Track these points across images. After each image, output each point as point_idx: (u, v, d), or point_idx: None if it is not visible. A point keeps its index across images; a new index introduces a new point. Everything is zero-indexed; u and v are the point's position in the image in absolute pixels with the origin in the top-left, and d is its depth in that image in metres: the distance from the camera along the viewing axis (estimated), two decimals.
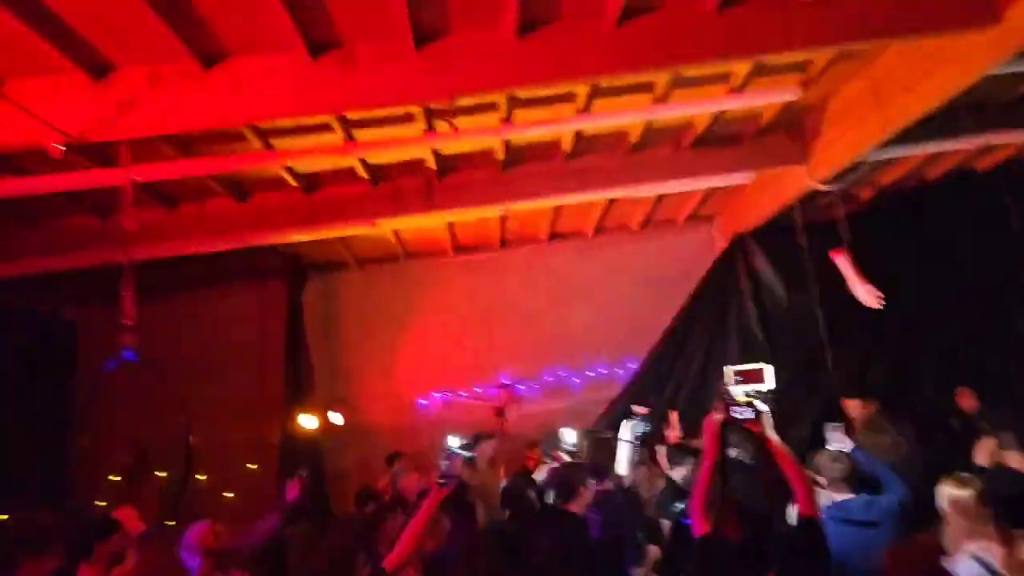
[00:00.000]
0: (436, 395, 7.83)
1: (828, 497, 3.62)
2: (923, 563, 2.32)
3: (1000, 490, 3.07)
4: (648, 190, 6.75)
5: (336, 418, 7.16)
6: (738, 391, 3.10)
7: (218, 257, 6.26)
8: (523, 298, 8.17)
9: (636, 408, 5.74)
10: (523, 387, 7.97)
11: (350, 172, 5.65)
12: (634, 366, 7.78)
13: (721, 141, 6.13)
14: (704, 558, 2.73)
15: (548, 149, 5.88)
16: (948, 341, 6.57)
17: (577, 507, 3.80)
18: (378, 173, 5.79)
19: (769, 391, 3.07)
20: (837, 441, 4.14)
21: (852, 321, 6.56)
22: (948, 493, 3.00)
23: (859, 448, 4.06)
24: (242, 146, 4.83)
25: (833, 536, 3.04)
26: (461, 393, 7.83)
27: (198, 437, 5.24)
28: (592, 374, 8.04)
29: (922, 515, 3.31)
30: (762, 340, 7.40)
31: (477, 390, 7.88)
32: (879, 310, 5.87)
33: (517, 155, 5.89)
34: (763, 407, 2.98)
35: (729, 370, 3.16)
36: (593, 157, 6.13)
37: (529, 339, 8.10)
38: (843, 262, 5.94)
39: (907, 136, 5.19)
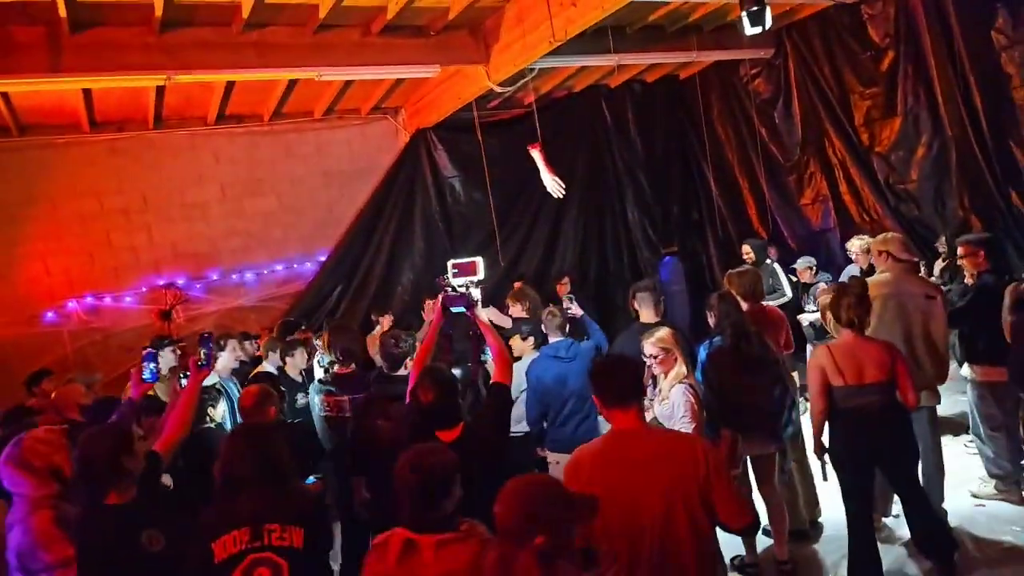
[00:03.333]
0: (72, 304, 6.83)
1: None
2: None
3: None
4: (337, 74, 6.29)
5: None
6: (457, 282, 3.42)
7: None
8: (187, 187, 7.39)
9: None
10: (190, 286, 7.29)
11: None
12: (322, 259, 7.71)
13: (409, 32, 6.04)
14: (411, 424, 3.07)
15: (220, 12, 5.13)
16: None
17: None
18: None
19: (479, 280, 3.45)
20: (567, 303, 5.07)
21: (514, 212, 8.19)
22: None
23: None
24: None
25: (545, 366, 4.16)
26: (107, 297, 6.98)
27: None
28: (267, 272, 7.63)
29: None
30: (443, 230, 8.01)
31: (128, 298, 7.04)
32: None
33: (180, 14, 5.05)
34: (476, 294, 3.41)
35: (449, 264, 3.49)
36: (276, 30, 5.54)
37: (198, 234, 7.39)
38: (538, 155, 6.59)
39: (564, 48, 5.78)
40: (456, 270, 3.43)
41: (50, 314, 6.71)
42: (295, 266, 7.70)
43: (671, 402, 3.49)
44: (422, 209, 7.97)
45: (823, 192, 7.87)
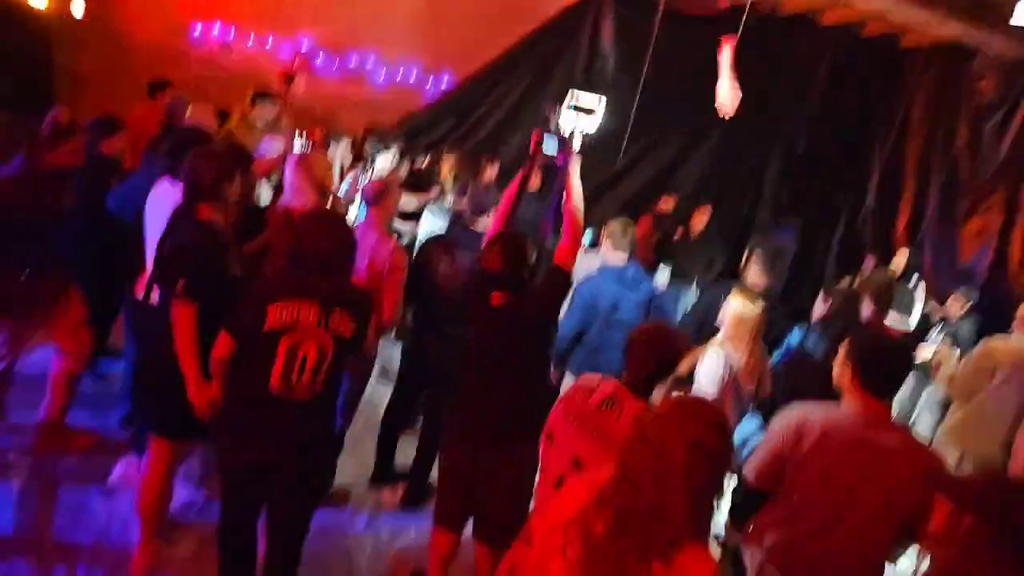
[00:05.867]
0: (216, 28, 6.83)
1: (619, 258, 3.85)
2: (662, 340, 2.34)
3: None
4: None
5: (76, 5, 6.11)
6: (565, 120, 3.02)
7: None
8: None
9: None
10: (320, 59, 7.13)
11: None
12: (450, 80, 7.45)
13: None
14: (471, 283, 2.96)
15: None
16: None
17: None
18: None
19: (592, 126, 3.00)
20: None
21: (654, 114, 6.77)
22: (737, 305, 3.22)
23: None
24: None
25: (600, 282, 3.75)
26: (251, 37, 6.94)
27: None
28: (400, 74, 7.43)
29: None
30: None
31: (271, 39, 6.94)
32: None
33: None
34: (578, 142, 2.92)
35: (571, 91, 3.05)
36: None
37: (344, 5, 7.04)
38: (728, 53, 5.58)
39: None
40: (574, 104, 2.94)
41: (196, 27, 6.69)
42: (423, 83, 7.36)
43: (701, 361, 3.20)
44: (563, 74, 7.37)
45: (991, 228, 6.88)
